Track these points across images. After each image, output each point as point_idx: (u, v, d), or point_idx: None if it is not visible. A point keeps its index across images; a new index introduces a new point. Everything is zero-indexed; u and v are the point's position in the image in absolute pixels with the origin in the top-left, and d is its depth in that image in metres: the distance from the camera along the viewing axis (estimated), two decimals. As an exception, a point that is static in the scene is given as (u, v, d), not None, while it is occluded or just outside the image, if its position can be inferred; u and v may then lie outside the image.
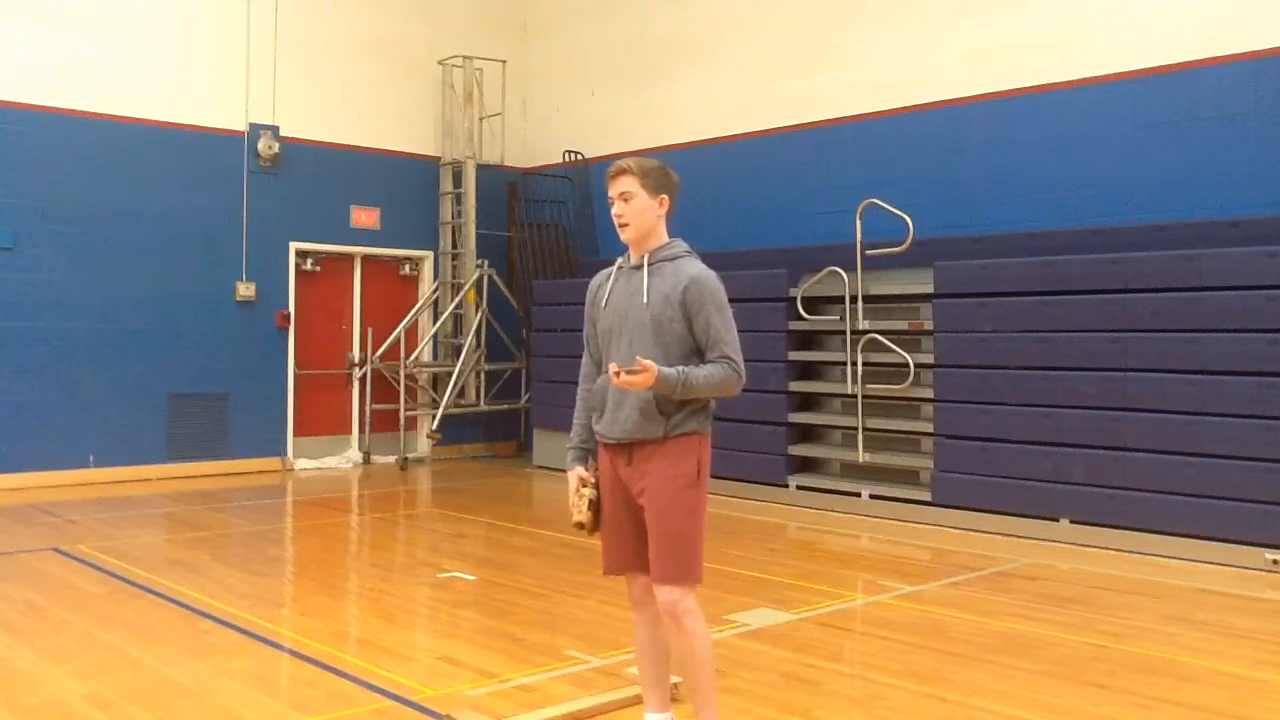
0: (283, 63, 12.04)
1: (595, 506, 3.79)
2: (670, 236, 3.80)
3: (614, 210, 3.74)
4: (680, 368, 3.56)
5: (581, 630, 5.60)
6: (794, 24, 11.22)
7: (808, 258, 10.02)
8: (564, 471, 3.93)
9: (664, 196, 3.74)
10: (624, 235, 3.75)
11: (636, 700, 4.38)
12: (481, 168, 13.19)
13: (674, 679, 4.07)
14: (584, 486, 3.80)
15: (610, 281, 3.83)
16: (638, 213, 3.71)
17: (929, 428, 8.93)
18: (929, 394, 8.91)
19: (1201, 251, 7.60)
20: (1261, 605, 6.32)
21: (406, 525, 9.43)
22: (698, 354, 3.66)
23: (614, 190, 3.73)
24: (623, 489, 3.73)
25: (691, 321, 3.63)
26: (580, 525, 3.81)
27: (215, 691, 4.60)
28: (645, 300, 3.66)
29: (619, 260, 3.86)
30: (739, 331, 3.71)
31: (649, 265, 3.72)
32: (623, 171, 3.72)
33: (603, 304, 3.80)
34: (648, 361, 3.46)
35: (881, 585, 6.74)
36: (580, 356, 4.00)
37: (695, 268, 3.70)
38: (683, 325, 3.63)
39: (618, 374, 3.45)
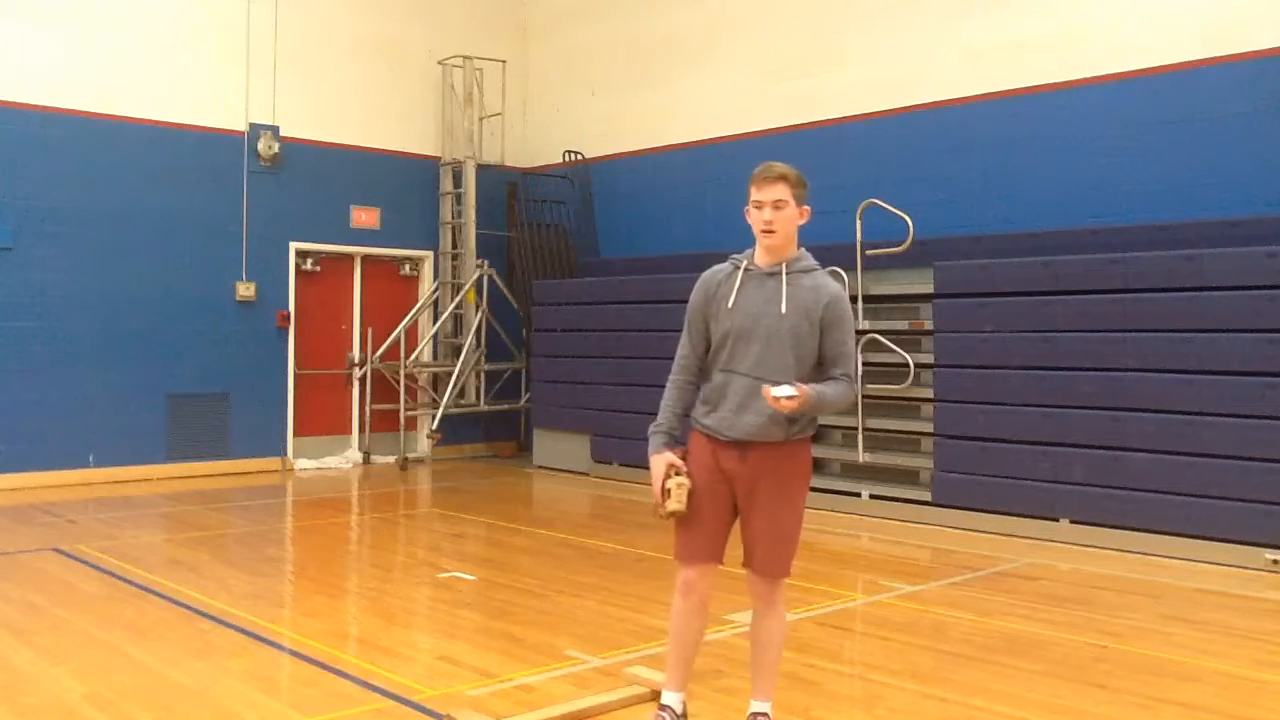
0: (283, 63, 12.04)
1: (691, 495, 3.81)
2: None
3: (762, 215, 3.78)
4: (817, 387, 3.69)
5: (581, 630, 5.60)
6: (794, 24, 11.23)
7: (808, 258, 10.02)
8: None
9: (806, 208, 3.86)
10: (766, 241, 3.81)
11: (636, 700, 4.40)
12: (481, 168, 13.19)
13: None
14: (678, 474, 3.82)
15: (735, 282, 3.85)
16: (786, 221, 3.80)
17: (929, 428, 8.93)
18: (929, 394, 8.91)
19: (1201, 251, 7.61)
20: (1261, 605, 6.33)
21: (406, 525, 9.43)
22: (819, 365, 3.81)
23: (766, 195, 3.77)
24: (724, 483, 3.82)
25: (824, 336, 3.78)
26: (674, 514, 3.80)
27: (215, 691, 4.60)
28: (784, 309, 3.76)
29: (739, 261, 3.89)
30: None
31: (787, 275, 3.81)
32: (780, 178, 3.78)
33: (728, 304, 3.83)
34: (804, 387, 3.61)
35: (881, 585, 6.75)
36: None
37: (833, 285, 3.85)
38: (815, 339, 3.78)
39: (777, 400, 3.57)
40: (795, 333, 3.74)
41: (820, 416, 3.88)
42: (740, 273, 3.86)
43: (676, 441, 3.91)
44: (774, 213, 3.76)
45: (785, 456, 3.80)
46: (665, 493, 3.80)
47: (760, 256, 3.87)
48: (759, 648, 3.96)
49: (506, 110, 13.61)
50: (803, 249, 3.90)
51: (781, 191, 3.76)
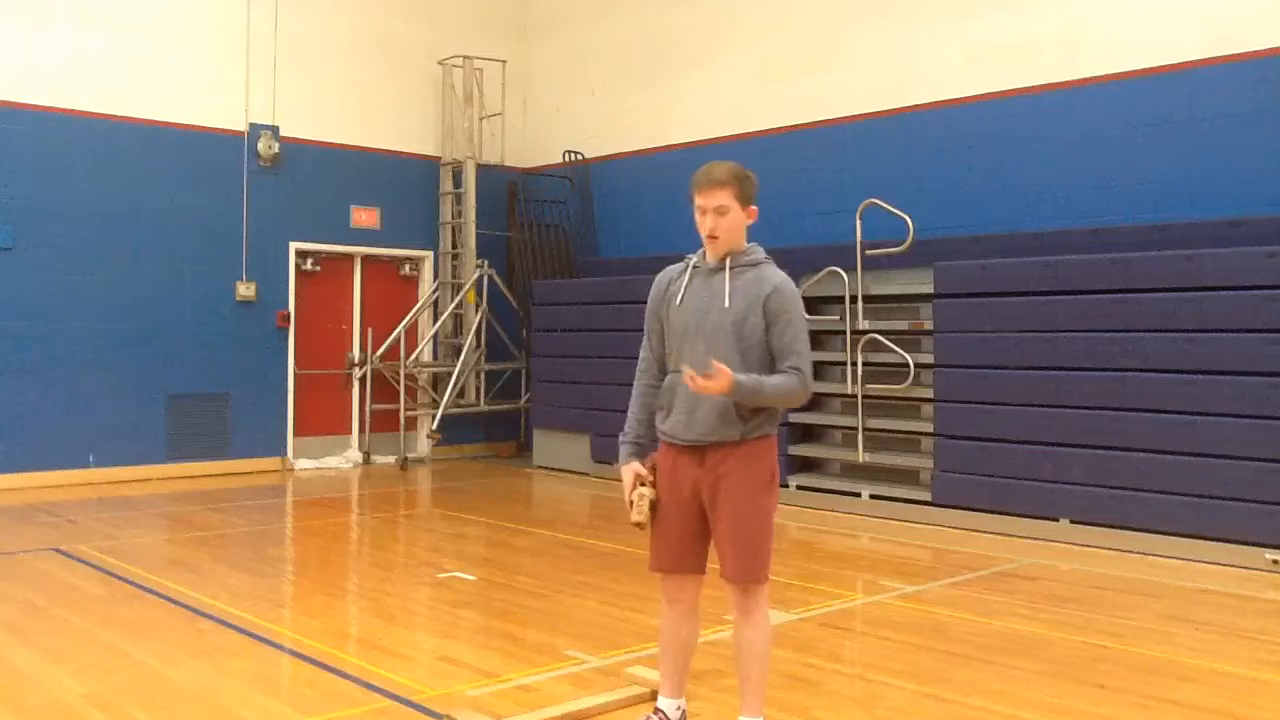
0: (283, 63, 12.04)
1: (654, 505, 3.79)
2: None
3: (706, 221, 3.72)
4: (755, 375, 3.61)
5: (581, 630, 5.60)
6: (794, 24, 11.23)
7: (808, 258, 10.01)
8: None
9: (754, 208, 3.78)
10: (712, 246, 3.77)
11: (636, 700, 4.40)
12: (481, 168, 13.19)
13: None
14: (643, 485, 3.80)
15: (685, 280, 3.82)
16: (730, 227, 3.73)
17: (929, 428, 8.93)
18: (929, 394, 8.91)
19: (1201, 251, 7.60)
20: (1261, 605, 6.32)
21: (406, 525, 9.43)
22: (772, 361, 3.72)
23: (708, 202, 3.70)
24: (687, 488, 3.76)
25: (770, 328, 3.69)
26: (639, 525, 3.80)
27: (215, 691, 4.60)
28: (727, 304, 3.70)
29: (690, 258, 3.87)
30: None
31: (731, 269, 3.74)
32: (721, 185, 3.69)
33: (676, 302, 3.80)
34: (723, 366, 3.51)
35: (881, 585, 6.75)
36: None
37: (778, 275, 3.77)
38: (763, 332, 3.70)
39: (693, 379, 3.50)
40: (739, 327, 3.68)
41: (783, 413, 3.81)
42: (689, 270, 3.83)
43: (644, 449, 3.89)
44: (716, 219, 3.70)
45: (745, 457, 3.71)
46: (631, 504, 3.80)
47: (709, 253, 3.83)
48: (741, 661, 3.87)
49: (506, 110, 13.61)
50: (753, 244, 3.84)
51: (723, 197, 3.69)
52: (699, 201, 3.73)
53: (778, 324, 3.69)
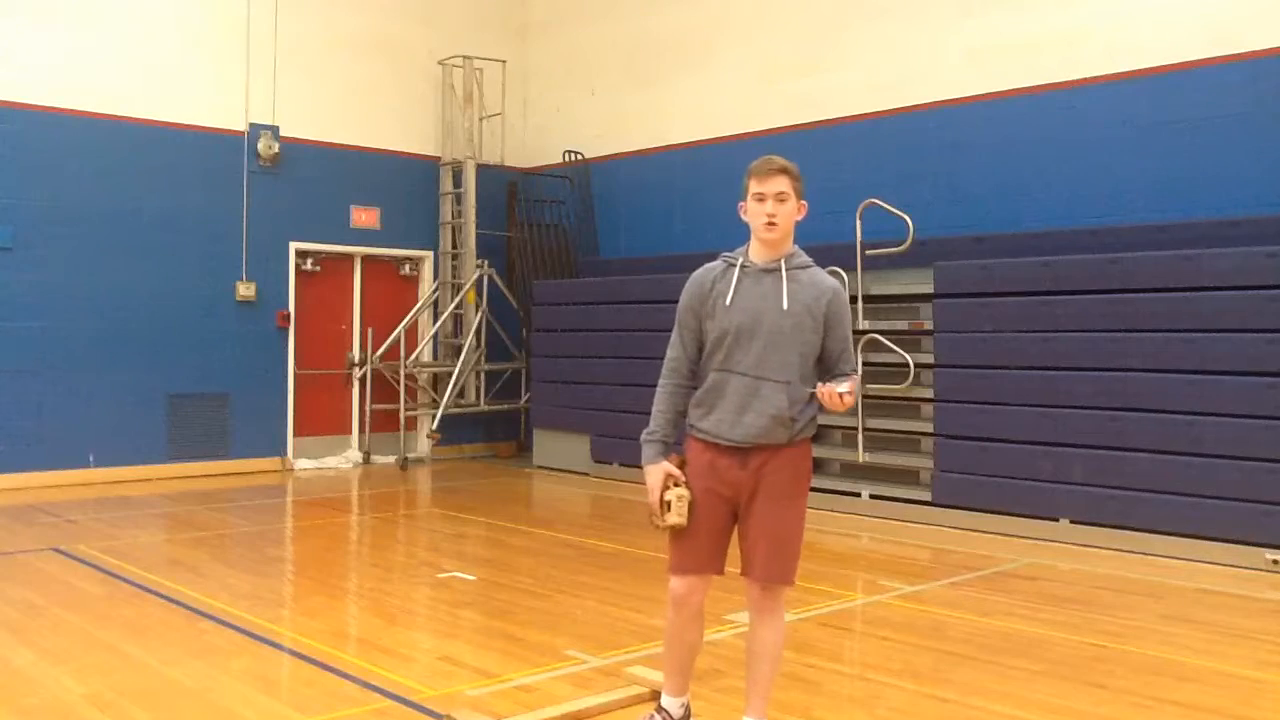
0: (283, 63, 12.04)
1: (693, 506, 3.69)
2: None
3: (764, 208, 3.68)
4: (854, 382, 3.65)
5: (581, 630, 5.60)
6: (794, 24, 11.23)
7: (808, 258, 10.03)
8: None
9: (804, 204, 3.78)
10: (767, 234, 3.71)
11: (636, 700, 4.40)
12: (481, 168, 13.19)
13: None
14: (676, 485, 3.70)
15: (732, 280, 3.74)
16: (788, 215, 3.72)
17: (929, 428, 8.93)
18: (929, 394, 8.91)
19: (1201, 251, 7.61)
20: (1261, 605, 6.33)
21: (406, 525, 9.43)
22: (819, 362, 3.73)
23: (768, 188, 3.68)
24: (723, 491, 3.71)
25: (828, 333, 3.71)
26: (674, 527, 3.67)
27: (215, 691, 4.60)
28: (785, 306, 3.67)
29: (734, 259, 3.80)
30: None
31: (786, 270, 3.72)
32: (783, 171, 3.70)
33: (725, 302, 3.72)
34: (856, 378, 3.55)
35: (881, 585, 6.75)
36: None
37: (831, 280, 3.78)
38: (818, 336, 3.70)
39: (842, 396, 3.47)
40: (798, 330, 3.65)
41: (819, 416, 3.82)
42: (736, 270, 3.76)
43: (671, 449, 3.80)
44: (776, 205, 3.67)
45: (788, 459, 3.70)
46: (664, 505, 3.68)
47: (757, 253, 3.77)
48: (754, 661, 3.83)
49: (506, 110, 13.61)
50: (796, 245, 3.81)
51: (783, 184, 3.68)
52: (758, 188, 3.69)
53: (837, 329, 3.72)
